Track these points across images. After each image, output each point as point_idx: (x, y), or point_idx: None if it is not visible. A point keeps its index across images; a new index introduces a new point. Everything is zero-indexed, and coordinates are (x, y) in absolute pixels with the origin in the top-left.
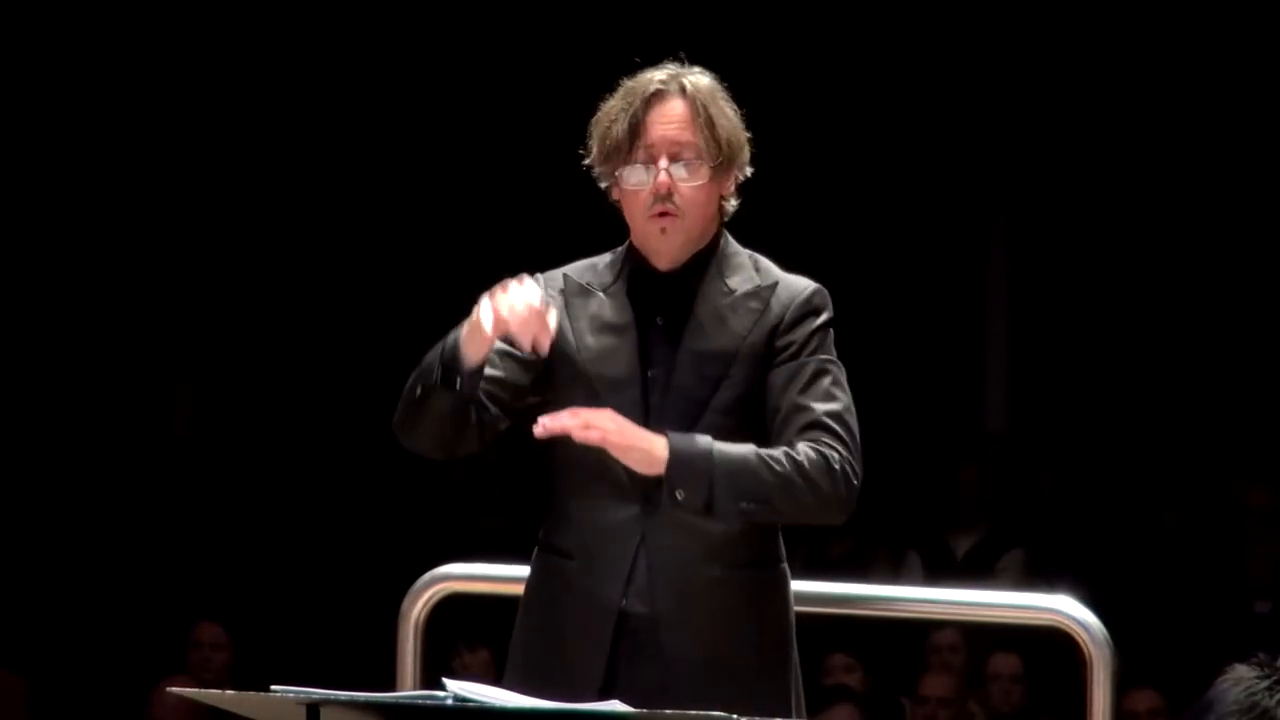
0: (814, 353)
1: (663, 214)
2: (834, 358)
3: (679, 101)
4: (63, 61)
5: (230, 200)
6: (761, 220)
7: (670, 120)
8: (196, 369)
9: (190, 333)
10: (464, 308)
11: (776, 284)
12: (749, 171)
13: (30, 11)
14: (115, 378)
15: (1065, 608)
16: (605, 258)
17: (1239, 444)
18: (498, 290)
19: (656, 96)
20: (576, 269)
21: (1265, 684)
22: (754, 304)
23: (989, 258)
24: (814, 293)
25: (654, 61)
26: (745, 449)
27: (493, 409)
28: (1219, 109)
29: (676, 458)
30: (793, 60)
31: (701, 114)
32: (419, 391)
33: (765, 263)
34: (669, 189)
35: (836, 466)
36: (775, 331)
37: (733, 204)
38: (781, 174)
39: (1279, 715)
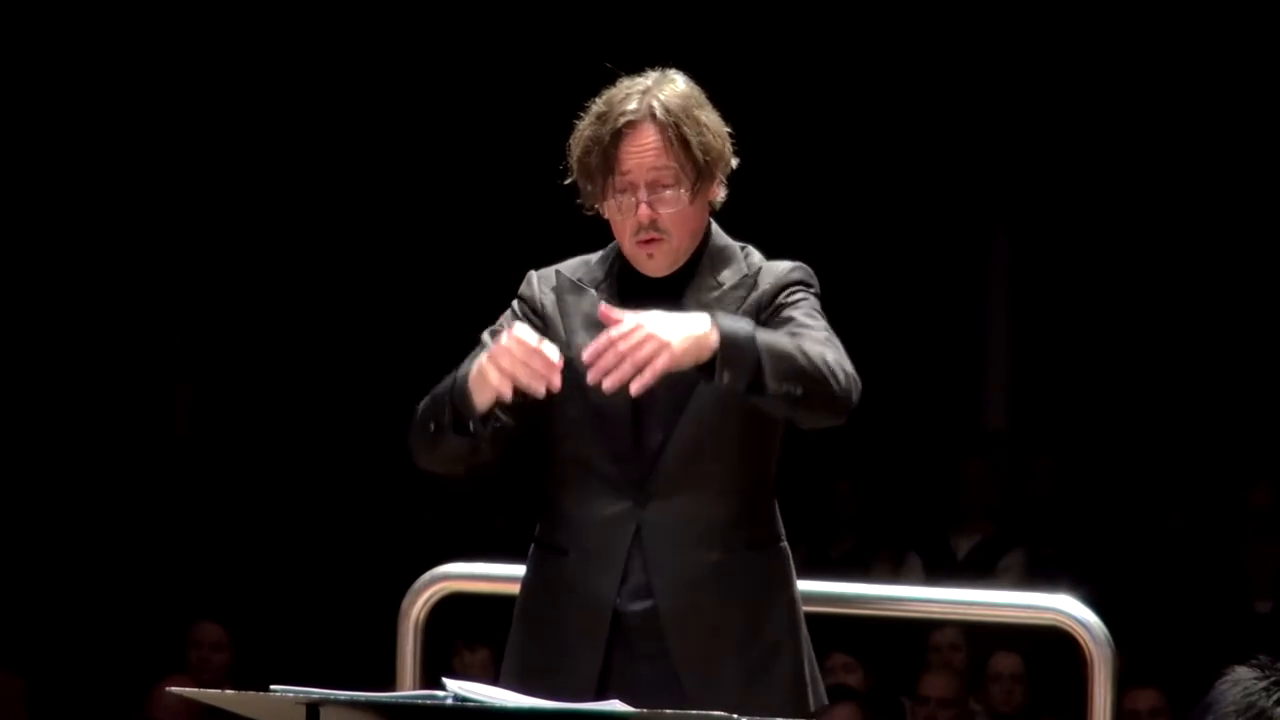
0: (801, 300)
1: (648, 240)
2: (823, 318)
3: (650, 128)
4: (63, 61)
5: (229, 200)
6: (763, 219)
7: (644, 150)
8: (196, 369)
9: (190, 333)
10: (461, 308)
11: (760, 269)
12: (735, 164)
13: (30, 11)
14: (115, 378)
15: (1066, 607)
16: (597, 255)
17: (1241, 444)
18: (500, 342)
19: (628, 127)
20: (570, 266)
21: (1263, 685)
22: (740, 292)
23: (990, 256)
24: (795, 268)
25: (642, 60)
26: (782, 334)
27: (502, 418)
28: (1219, 109)
29: (726, 340)
30: (795, 60)
31: (674, 136)
32: (431, 428)
33: (755, 254)
34: (651, 219)
35: (849, 368)
36: (759, 306)
37: (721, 195)
38: (783, 173)
39: (1275, 716)
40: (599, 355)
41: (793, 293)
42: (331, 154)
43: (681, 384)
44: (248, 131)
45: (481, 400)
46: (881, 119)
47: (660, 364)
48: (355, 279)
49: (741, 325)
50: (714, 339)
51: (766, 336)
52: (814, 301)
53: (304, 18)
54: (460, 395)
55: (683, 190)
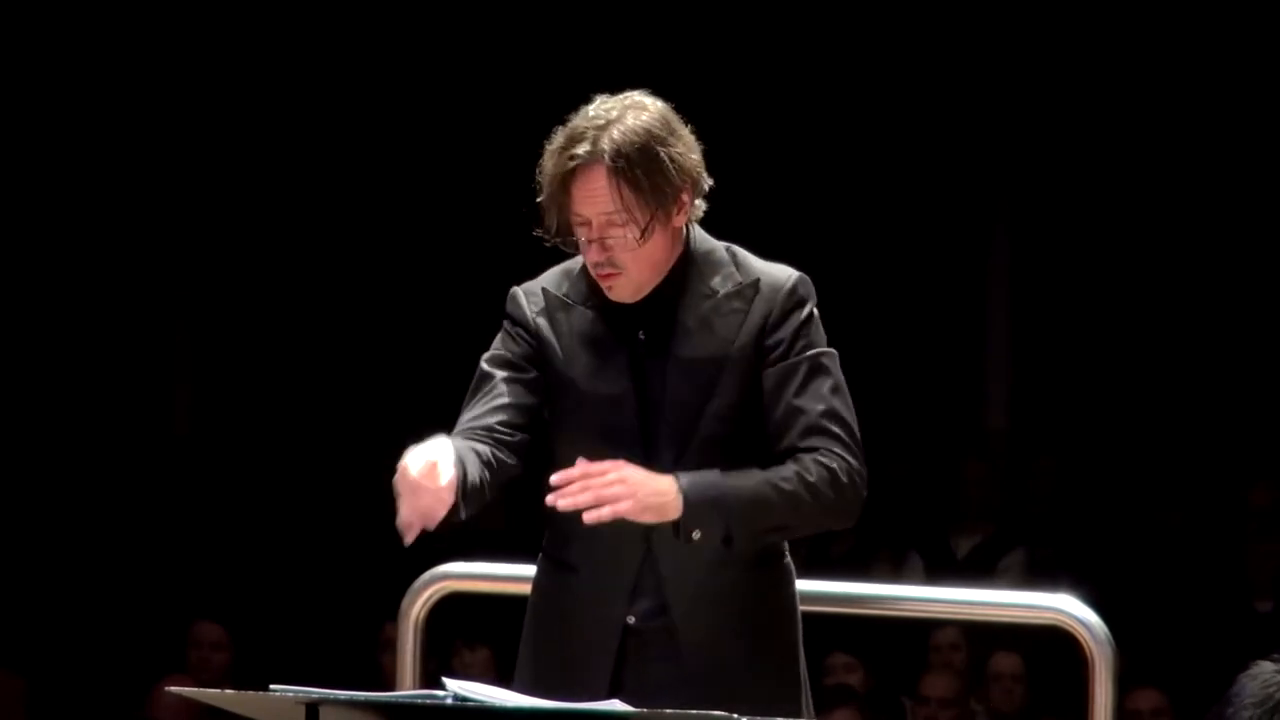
0: (805, 347)
1: (606, 275)
2: (824, 346)
3: (599, 171)
4: (63, 61)
5: (229, 202)
6: (764, 219)
7: (593, 194)
8: (196, 369)
9: (190, 333)
10: (460, 308)
11: (758, 280)
12: (709, 184)
13: (30, 11)
14: (115, 378)
15: (1066, 606)
16: (577, 263)
17: (1241, 444)
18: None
19: (576, 172)
20: (552, 280)
21: None
22: (737, 304)
23: (990, 256)
24: (797, 283)
25: (640, 62)
26: (755, 478)
27: (517, 434)
28: (1219, 109)
29: (690, 505)
30: (795, 61)
31: (625, 180)
32: None
33: (743, 255)
34: (605, 257)
35: (844, 477)
36: (763, 330)
37: (699, 211)
38: (784, 173)
39: None
40: (568, 481)
41: (800, 326)
42: (331, 155)
43: (689, 404)
44: (247, 134)
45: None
46: (881, 119)
47: (622, 507)
48: (355, 279)
49: (709, 485)
50: (678, 505)
51: (738, 490)
52: (818, 330)
53: (304, 19)
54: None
55: (630, 231)
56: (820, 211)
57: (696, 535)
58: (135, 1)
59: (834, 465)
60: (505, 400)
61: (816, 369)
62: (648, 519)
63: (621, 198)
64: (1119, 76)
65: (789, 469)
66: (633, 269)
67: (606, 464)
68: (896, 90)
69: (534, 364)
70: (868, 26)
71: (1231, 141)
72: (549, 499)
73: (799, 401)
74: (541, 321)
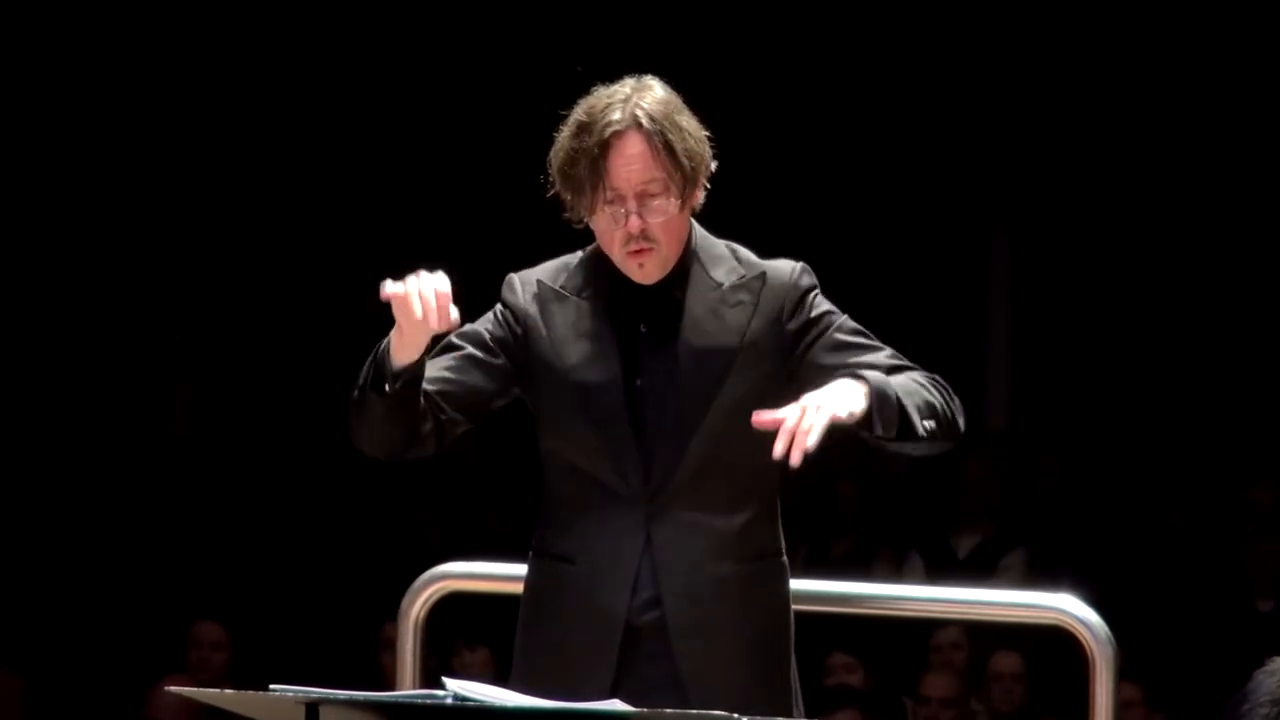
0: (834, 317)
1: (638, 250)
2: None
3: (636, 137)
4: (63, 61)
5: (229, 202)
6: (764, 219)
7: (631, 161)
8: (196, 369)
9: (190, 333)
10: (459, 308)
11: (764, 274)
12: (714, 167)
13: (30, 11)
14: (115, 378)
15: (1067, 606)
16: (576, 257)
17: (1241, 443)
18: (408, 280)
19: (614, 138)
20: (548, 272)
21: None
22: (744, 296)
23: (990, 256)
24: (801, 271)
25: (638, 60)
26: (902, 377)
27: (449, 411)
28: (1219, 109)
29: (876, 396)
30: (795, 61)
31: (660, 144)
32: (354, 395)
33: (743, 251)
34: (642, 229)
35: (950, 392)
36: (780, 322)
37: (700, 199)
38: (784, 173)
39: None
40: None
41: (818, 303)
42: (330, 158)
43: (697, 394)
44: (246, 134)
45: (403, 353)
46: (881, 119)
47: (824, 421)
48: (355, 279)
49: (878, 378)
50: (864, 391)
51: (899, 382)
52: (836, 309)
53: (303, 20)
54: (384, 352)
55: (671, 199)
56: (821, 211)
57: (880, 429)
58: (135, 1)
59: (940, 380)
60: (454, 376)
61: (858, 331)
62: (845, 411)
63: (660, 162)
64: (1119, 77)
65: (914, 374)
66: (664, 243)
67: (790, 410)
68: (898, 90)
69: (508, 352)
70: (869, 26)
71: (1231, 141)
72: (776, 451)
73: (867, 358)
74: (533, 310)
